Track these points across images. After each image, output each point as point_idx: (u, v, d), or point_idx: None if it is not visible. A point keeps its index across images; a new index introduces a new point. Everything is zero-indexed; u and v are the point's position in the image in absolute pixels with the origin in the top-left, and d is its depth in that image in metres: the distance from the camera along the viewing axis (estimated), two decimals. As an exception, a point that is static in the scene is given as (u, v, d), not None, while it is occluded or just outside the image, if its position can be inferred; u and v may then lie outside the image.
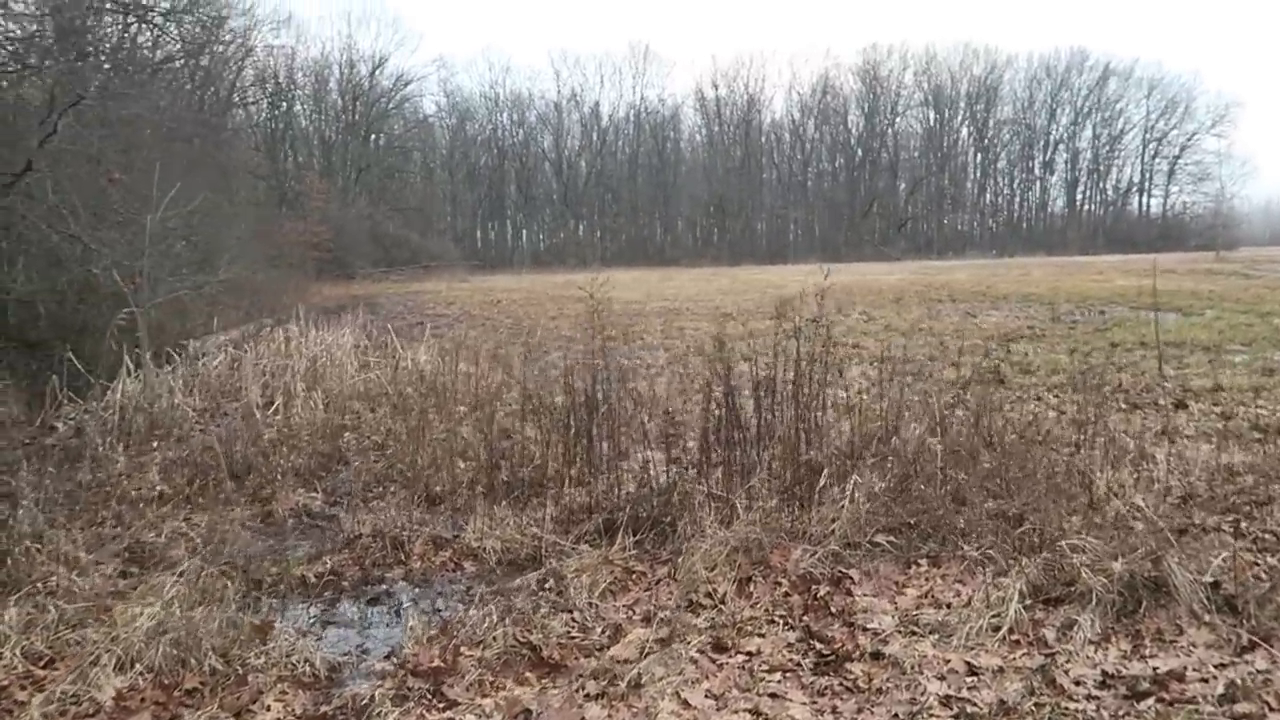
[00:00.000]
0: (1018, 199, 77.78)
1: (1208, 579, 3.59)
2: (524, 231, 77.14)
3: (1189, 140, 69.49)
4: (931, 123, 75.43)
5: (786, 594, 3.80)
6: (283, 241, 47.12)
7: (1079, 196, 75.66)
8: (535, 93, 76.68)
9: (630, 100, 76.57)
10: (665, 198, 74.74)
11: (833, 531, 4.17)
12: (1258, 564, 4.06)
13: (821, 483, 4.54)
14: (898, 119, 75.41)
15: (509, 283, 42.47)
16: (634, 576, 4.09)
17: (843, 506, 4.32)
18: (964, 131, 75.73)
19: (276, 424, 7.63)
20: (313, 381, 8.64)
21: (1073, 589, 3.63)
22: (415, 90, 67.70)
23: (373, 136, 65.72)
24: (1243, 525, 4.43)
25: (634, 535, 4.44)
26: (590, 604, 3.80)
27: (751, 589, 3.80)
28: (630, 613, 3.75)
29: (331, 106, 64.01)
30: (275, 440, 7.08)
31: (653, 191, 75.16)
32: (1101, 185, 74.57)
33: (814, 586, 3.82)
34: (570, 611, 3.77)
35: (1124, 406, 8.03)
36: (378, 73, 64.01)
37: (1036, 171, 75.33)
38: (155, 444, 6.66)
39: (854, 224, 73.72)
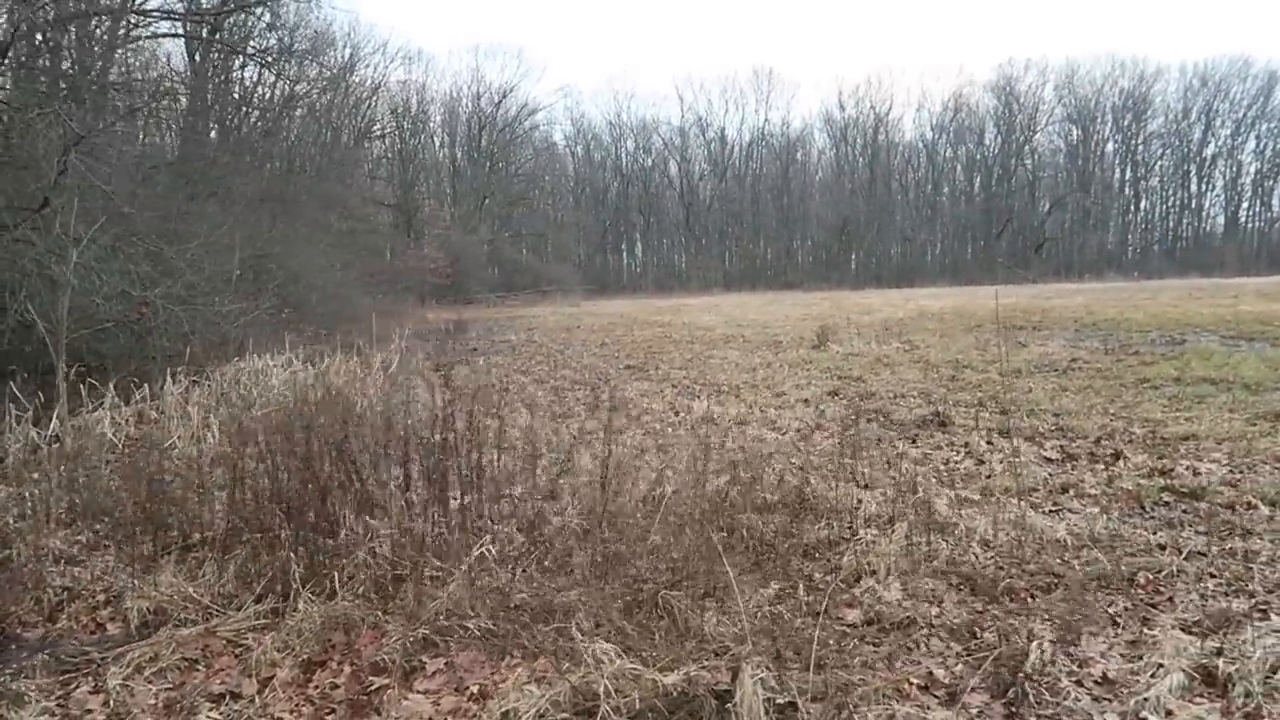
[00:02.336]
0: (1171, 217, 72.58)
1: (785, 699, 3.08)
2: (646, 256, 77.77)
3: (1369, 150, 62.98)
4: (1073, 139, 71.57)
5: (336, 686, 3.43)
6: (402, 268, 49.42)
7: (1240, 214, 69.86)
8: (660, 119, 77.72)
9: (754, 123, 76.41)
10: (788, 220, 73.90)
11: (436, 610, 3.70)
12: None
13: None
14: (1036, 135, 71.93)
15: (618, 307, 42.93)
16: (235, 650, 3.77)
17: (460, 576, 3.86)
18: (1109, 147, 71.46)
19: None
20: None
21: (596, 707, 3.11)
22: (541, 119, 69.78)
23: (498, 165, 67.97)
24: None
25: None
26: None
27: (312, 677, 3.49)
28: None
29: (459, 136, 66.64)
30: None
31: (776, 215, 74.48)
32: (1266, 201, 68.59)
33: (373, 679, 3.44)
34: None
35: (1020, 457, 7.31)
36: (503, 103, 66.31)
37: (1192, 188, 70.10)
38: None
39: (987, 246, 70.63)
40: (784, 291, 56.70)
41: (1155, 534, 5.09)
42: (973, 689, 3.24)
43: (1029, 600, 4.10)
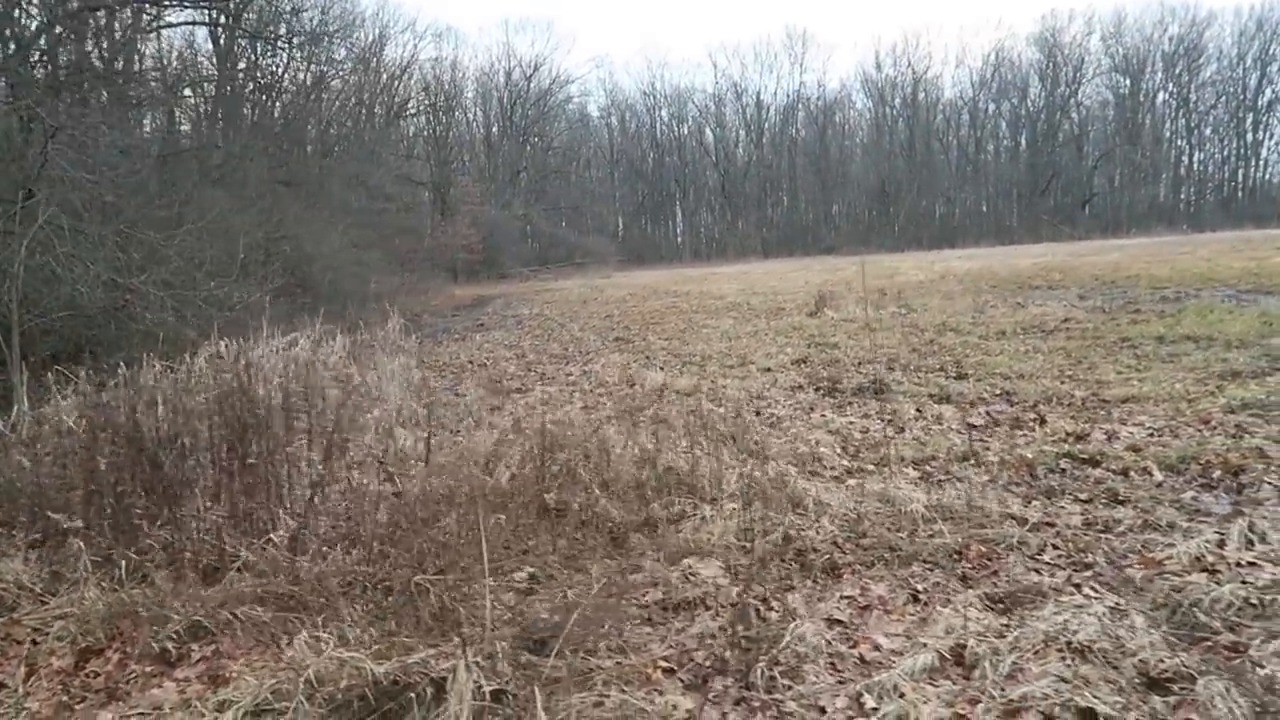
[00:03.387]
0: (1226, 168, 69.87)
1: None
2: (683, 225, 77.31)
3: None
4: (1122, 90, 69.08)
5: (97, 675, 3.42)
6: (434, 245, 49.79)
7: (1301, 161, 66.96)
8: (694, 86, 76.89)
9: (789, 87, 75.31)
10: (826, 184, 72.77)
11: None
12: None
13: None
14: (1082, 88, 69.61)
15: (649, 278, 42.78)
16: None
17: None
18: (1160, 97, 68.85)
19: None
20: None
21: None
22: (574, 90, 69.53)
23: (532, 139, 67.93)
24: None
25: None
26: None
27: (85, 666, 3.50)
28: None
29: (492, 112, 66.69)
30: None
31: (814, 179, 73.36)
32: (1328, 147, 65.62)
33: (136, 667, 3.45)
34: None
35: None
36: (535, 76, 66.14)
37: (1248, 137, 67.30)
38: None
39: (1032, 204, 68.77)
40: (821, 257, 55.87)
41: (1028, 504, 4.93)
42: (721, 672, 3.16)
43: (825, 578, 3.99)
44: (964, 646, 3.19)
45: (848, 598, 3.78)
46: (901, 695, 2.91)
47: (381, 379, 9.01)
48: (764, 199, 74.43)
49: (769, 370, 10.71)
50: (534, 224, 61.27)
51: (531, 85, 66.12)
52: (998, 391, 8.39)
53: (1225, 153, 69.35)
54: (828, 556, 4.20)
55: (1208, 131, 69.22)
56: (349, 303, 24.13)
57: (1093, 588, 3.76)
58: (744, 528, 4.43)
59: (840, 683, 3.08)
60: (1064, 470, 5.63)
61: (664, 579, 4.01)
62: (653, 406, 8.12)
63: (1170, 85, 68.12)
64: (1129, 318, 13.43)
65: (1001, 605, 3.65)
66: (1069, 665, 3.00)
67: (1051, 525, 4.52)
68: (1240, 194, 67.28)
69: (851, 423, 7.39)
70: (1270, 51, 64.54)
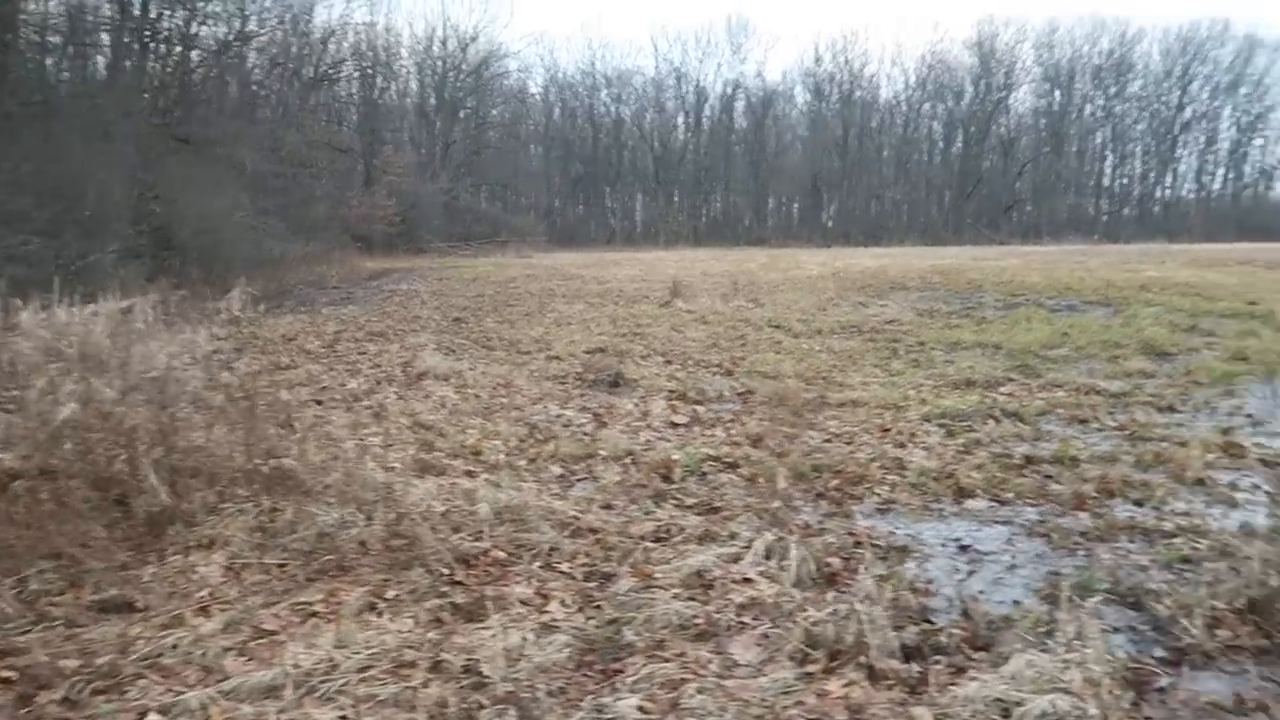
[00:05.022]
0: (1147, 181, 71.52)
1: None
2: (616, 209, 76.89)
3: (1345, 118, 61.77)
4: (1051, 99, 70.21)
5: None
6: (349, 214, 48.73)
7: (1215, 179, 68.88)
8: (635, 68, 76.36)
9: (729, 76, 74.94)
10: (760, 176, 72.87)
11: None
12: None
13: None
14: (1013, 95, 70.58)
15: (568, 259, 42.38)
16: None
17: None
18: (1087, 109, 70.09)
19: None
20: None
21: None
22: (509, 66, 68.49)
23: (464, 112, 66.85)
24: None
25: None
26: None
27: None
28: None
29: (425, 82, 65.48)
30: None
31: (749, 170, 73.40)
32: (1240, 168, 67.53)
33: None
34: None
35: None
36: (471, 46, 64.96)
37: (1168, 152, 68.91)
38: None
39: (958, 206, 69.73)
40: (750, 248, 55.98)
41: (624, 510, 4.81)
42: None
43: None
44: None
45: (305, 602, 3.61)
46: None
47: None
48: (699, 187, 74.34)
49: (557, 358, 10.55)
50: (461, 199, 60.40)
51: (467, 55, 64.98)
52: (741, 390, 8.32)
53: (1145, 167, 70.96)
54: (337, 557, 4.02)
55: (1131, 145, 70.75)
56: (232, 269, 23.38)
57: (563, 601, 3.64)
58: (262, 525, 4.24)
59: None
60: (703, 474, 5.54)
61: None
62: (385, 394, 7.93)
63: (1098, 98, 69.40)
64: (945, 323, 13.55)
65: (462, 615, 3.51)
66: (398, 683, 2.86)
67: (596, 532, 4.39)
68: (1156, 208, 68.96)
69: (558, 415, 7.25)
70: (1191, 71, 66.09)
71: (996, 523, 4.72)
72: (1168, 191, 70.15)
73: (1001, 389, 8.22)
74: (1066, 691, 2.68)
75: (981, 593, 3.80)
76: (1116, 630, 3.45)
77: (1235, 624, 3.33)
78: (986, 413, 7.05)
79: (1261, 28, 65.67)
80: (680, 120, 75.21)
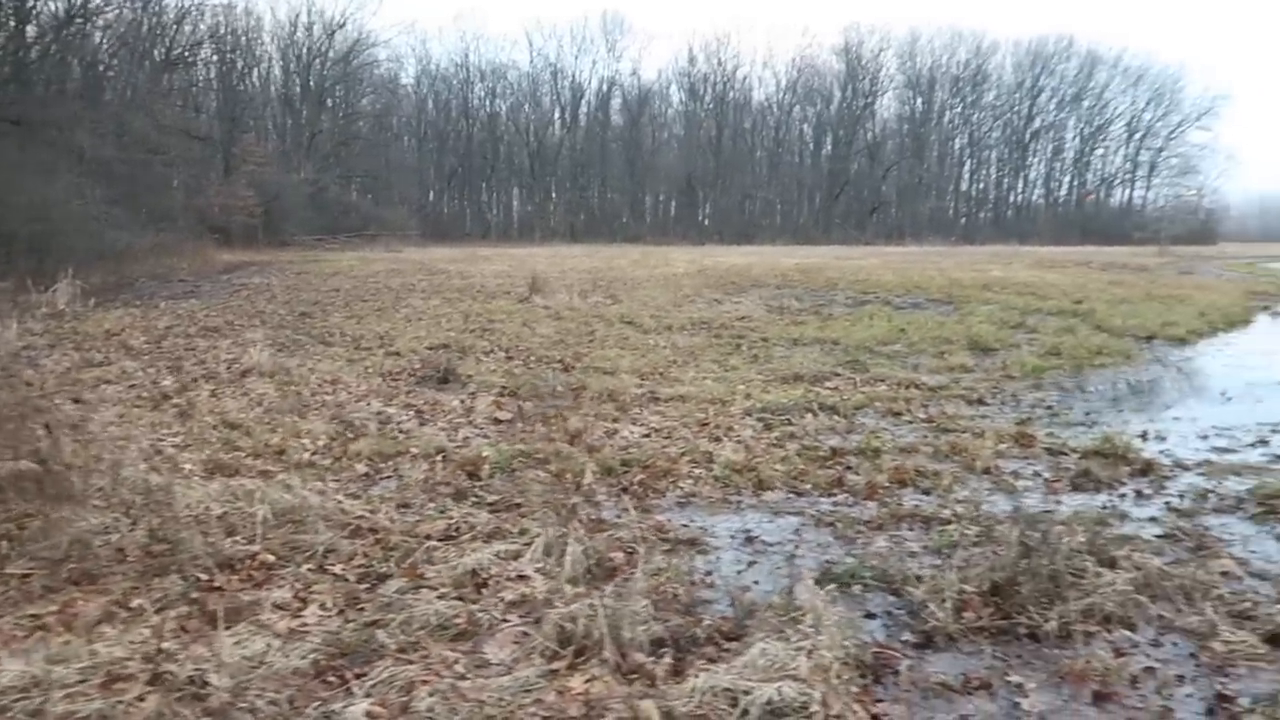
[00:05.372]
0: (1003, 186, 75.44)
1: None
2: (492, 204, 75.95)
3: (1174, 133, 66.81)
4: (914, 106, 73.17)
5: None
6: (206, 205, 46.43)
7: (1061, 186, 73.28)
8: (510, 62, 75.52)
9: (604, 73, 75.20)
10: (635, 173, 73.27)
11: None
12: None
13: None
14: (878, 101, 73.22)
15: (440, 254, 41.57)
16: None
17: None
18: (946, 117, 73.37)
19: None
20: None
21: None
22: (378, 55, 66.67)
23: (332, 101, 64.76)
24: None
25: None
26: None
27: None
28: None
29: (290, 68, 63.08)
30: None
31: (625, 167, 73.67)
32: (1083, 176, 72.02)
33: None
34: None
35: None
36: (338, 33, 62.92)
37: (1019, 160, 72.88)
38: None
39: (827, 206, 71.89)
40: (624, 245, 56.15)
41: (420, 509, 4.67)
42: None
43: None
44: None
45: (36, 615, 3.34)
46: None
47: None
48: (575, 183, 74.18)
49: (397, 354, 10.27)
50: (327, 191, 58.42)
51: (334, 42, 62.90)
52: (574, 386, 8.27)
53: (1000, 173, 74.84)
54: (88, 566, 3.76)
55: (987, 153, 74.47)
56: (67, 260, 21.86)
57: (324, 605, 3.49)
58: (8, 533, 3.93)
59: None
60: (512, 471, 5.46)
61: None
62: (199, 392, 7.52)
63: (956, 106, 72.72)
64: (793, 319, 13.88)
65: (209, 622, 3.31)
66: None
67: (378, 532, 4.26)
68: (1009, 212, 72.79)
69: (379, 412, 7.04)
70: (1040, 83, 70.04)
71: (789, 514, 4.81)
72: (1020, 196, 74.15)
73: (828, 384, 8.45)
74: (794, 678, 2.72)
75: (756, 583, 3.85)
76: (872, 616, 3.54)
77: (979, 606, 3.46)
78: (806, 407, 7.23)
79: (1101, 45, 69.91)
80: (556, 116, 74.95)
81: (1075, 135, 71.58)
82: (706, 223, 71.40)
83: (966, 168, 74.74)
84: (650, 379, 8.60)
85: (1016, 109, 71.50)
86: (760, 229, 69.35)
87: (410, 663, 2.99)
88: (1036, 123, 71.50)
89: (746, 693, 2.66)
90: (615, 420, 6.81)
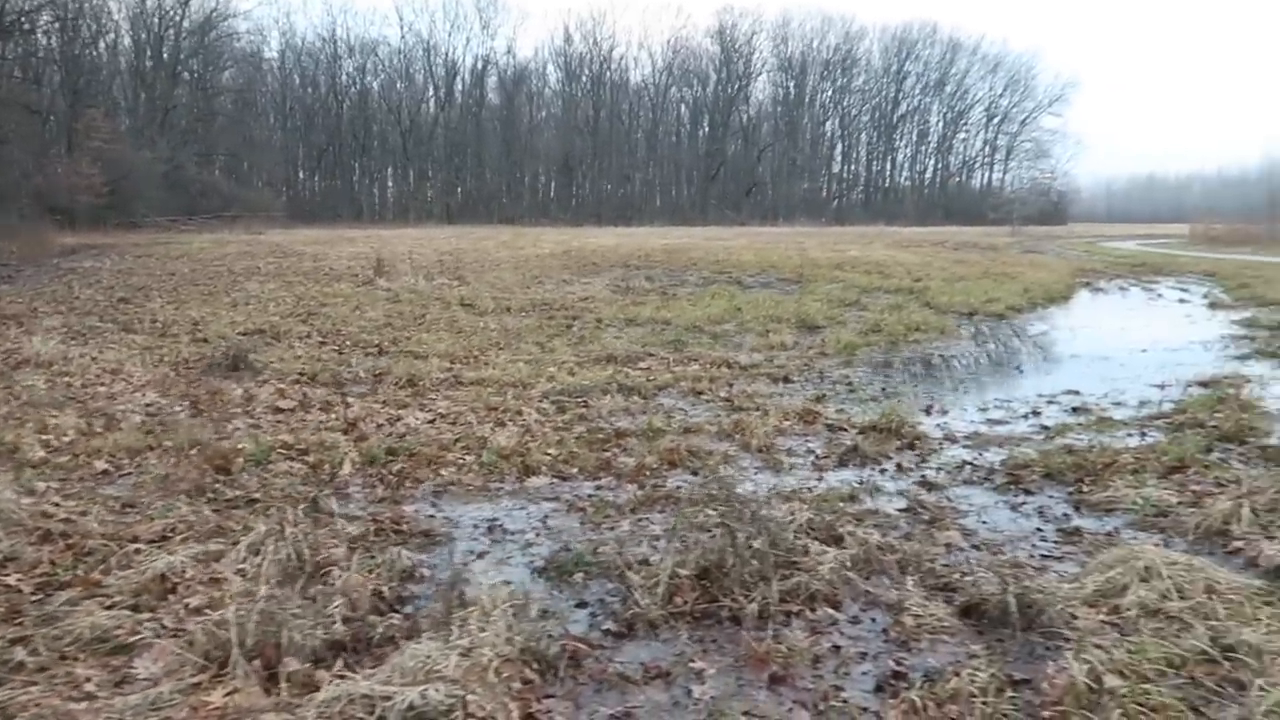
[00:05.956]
0: (872, 169, 77.66)
1: None
2: (363, 185, 73.62)
3: (1028, 118, 70.08)
4: (787, 90, 74.45)
5: None
6: (46, 185, 43.46)
7: (927, 168, 75.94)
8: (380, 38, 73.31)
9: (479, 51, 73.80)
10: (512, 153, 72.23)
11: None
12: None
13: None
14: (752, 84, 74.21)
15: (304, 236, 40.06)
16: None
17: None
18: (818, 100, 74.97)
19: None
20: None
21: None
22: (237, 26, 63.59)
23: (188, 74, 61.43)
24: None
25: None
26: None
27: None
28: None
29: (137, 39, 59.51)
30: None
31: (501, 146, 72.50)
32: (946, 159, 74.89)
33: None
34: None
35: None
36: (191, 4, 59.68)
37: (887, 142, 75.15)
38: None
39: (704, 187, 72.55)
40: (501, 226, 55.33)
41: (123, 511, 4.33)
42: None
43: None
44: None
45: None
46: None
47: None
48: (450, 163, 72.67)
49: (204, 341, 9.71)
50: (186, 170, 55.47)
51: (189, 12, 59.60)
52: (379, 370, 7.95)
53: (869, 155, 77.04)
54: None
55: (858, 135, 76.52)
56: None
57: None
58: None
59: None
60: (268, 464, 5.14)
61: None
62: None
63: (827, 89, 74.39)
64: (636, 300, 13.83)
65: None
66: None
67: (70, 538, 3.91)
68: (878, 194, 75.06)
69: (150, 404, 6.59)
70: (906, 69, 72.32)
71: (546, 500, 4.67)
72: (888, 179, 76.45)
73: (641, 364, 8.38)
74: (445, 680, 2.56)
75: (478, 574, 3.69)
76: (584, 605, 3.43)
77: (688, 590, 3.39)
78: (608, 388, 7.13)
79: (962, 33, 72.75)
80: (431, 94, 73.14)
81: (939, 120, 74.30)
82: (585, 204, 71.08)
83: (838, 150, 76.73)
84: (461, 362, 8.35)
85: (884, 94, 73.69)
86: (639, 210, 69.53)
87: (34, 684, 2.71)
88: (903, 107, 73.93)
89: (387, 699, 2.49)
90: (404, 406, 6.56)
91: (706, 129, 74.34)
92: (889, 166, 76.68)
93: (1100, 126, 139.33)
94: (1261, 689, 2.61)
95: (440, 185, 72.76)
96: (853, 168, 77.50)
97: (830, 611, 3.35)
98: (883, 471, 5.19)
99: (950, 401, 7.09)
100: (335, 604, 3.20)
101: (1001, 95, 71.41)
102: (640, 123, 75.03)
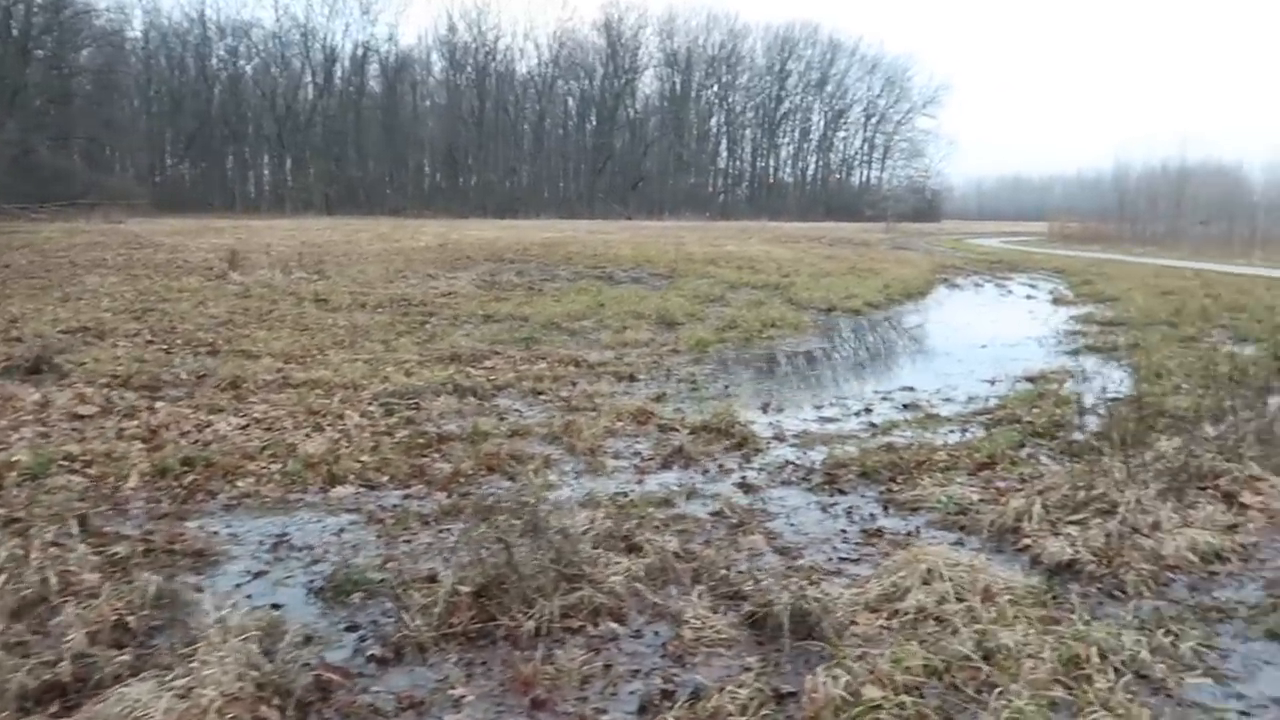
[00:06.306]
0: (757, 165, 78.93)
1: None
2: (236, 173, 70.59)
3: (904, 118, 72.48)
4: (673, 85, 74.85)
5: None
6: None
7: (809, 165, 77.70)
8: (254, 20, 70.34)
9: (359, 37, 71.55)
10: (395, 144, 70.39)
11: None
12: None
13: None
14: (639, 78, 74.33)
15: (168, 226, 37.81)
16: None
17: None
18: (704, 96, 75.69)
19: None
20: None
21: None
22: (96, 3, 59.92)
23: (39, 52, 57.54)
24: None
25: None
26: None
27: None
28: None
29: (-18, 14, 55.37)
30: None
31: (384, 136, 70.53)
32: (827, 156, 76.80)
33: None
34: None
35: None
36: (42, -21, 55.88)
37: (770, 140, 76.52)
38: None
39: (591, 181, 72.34)
40: (383, 218, 53.77)
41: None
42: None
43: None
44: None
45: None
46: None
47: None
48: (329, 152, 70.26)
49: (18, 340, 8.97)
50: (36, 154, 51.98)
51: (38, -11, 55.80)
52: (201, 372, 7.49)
53: (754, 152, 78.27)
54: None
55: (741, 131, 77.61)
56: None
57: None
58: None
59: None
60: (45, 477, 4.71)
61: None
62: None
63: (713, 86, 75.13)
64: (499, 295, 13.56)
65: None
66: None
67: None
68: (762, 190, 76.35)
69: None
70: (788, 67, 73.73)
71: (346, 511, 4.43)
72: (772, 175, 77.86)
73: (486, 363, 8.17)
74: (152, 727, 2.32)
75: (249, 598, 3.43)
76: (355, 629, 3.23)
77: (466, 609, 3.23)
78: (443, 389, 6.89)
79: (842, 33, 74.69)
80: (309, 80, 70.59)
81: (821, 118, 76.05)
82: (471, 196, 69.89)
83: (724, 146, 77.60)
84: (297, 362, 7.96)
85: (768, 91, 74.90)
86: (525, 203, 68.79)
87: None
88: (786, 105, 75.32)
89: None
90: (218, 411, 6.17)
91: (594, 122, 74.10)
92: (773, 163, 78.19)
93: (972, 127, 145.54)
94: (1003, 696, 2.61)
95: (319, 175, 70.28)
96: (738, 164, 78.66)
97: (613, 626, 3.24)
98: (704, 473, 5.13)
99: (789, 399, 7.13)
100: (69, 639, 2.91)
101: (879, 96, 73.74)
102: (527, 115, 74.17)
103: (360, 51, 70.07)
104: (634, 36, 72.53)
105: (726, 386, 7.59)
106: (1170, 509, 4.21)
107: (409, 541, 4.04)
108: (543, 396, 6.96)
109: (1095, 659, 2.81)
